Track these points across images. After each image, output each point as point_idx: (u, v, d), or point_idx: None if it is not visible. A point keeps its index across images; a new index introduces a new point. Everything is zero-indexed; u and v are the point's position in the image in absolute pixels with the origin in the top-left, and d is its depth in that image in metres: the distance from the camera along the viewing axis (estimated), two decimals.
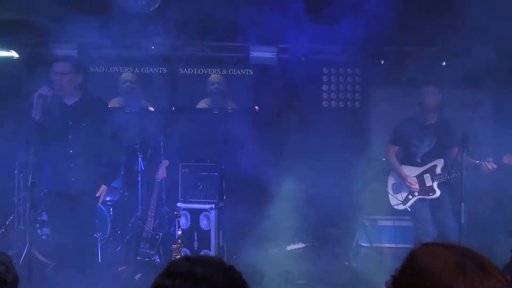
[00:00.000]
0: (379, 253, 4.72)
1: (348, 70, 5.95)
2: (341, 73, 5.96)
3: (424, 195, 3.72)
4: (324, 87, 5.95)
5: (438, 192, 3.66)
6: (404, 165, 3.83)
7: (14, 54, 5.36)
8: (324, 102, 5.93)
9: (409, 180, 3.73)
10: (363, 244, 5.01)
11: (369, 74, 5.84)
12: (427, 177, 3.70)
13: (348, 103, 5.94)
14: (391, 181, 3.92)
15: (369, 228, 4.97)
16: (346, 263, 4.59)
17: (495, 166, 3.43)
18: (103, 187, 3.43)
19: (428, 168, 3.73)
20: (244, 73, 5.75)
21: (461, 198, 3.18)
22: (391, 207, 4.40)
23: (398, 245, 4.86)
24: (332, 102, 5.95)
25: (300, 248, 5.17)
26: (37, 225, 4.33)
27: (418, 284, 0.95)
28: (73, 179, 3.31)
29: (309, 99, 5.68)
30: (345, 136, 5.48)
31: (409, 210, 3.76)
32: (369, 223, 5.02)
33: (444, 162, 3.66)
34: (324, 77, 5.95)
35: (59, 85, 3.24)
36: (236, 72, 5.74)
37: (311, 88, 5.75)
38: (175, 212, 3.61)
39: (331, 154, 5.32)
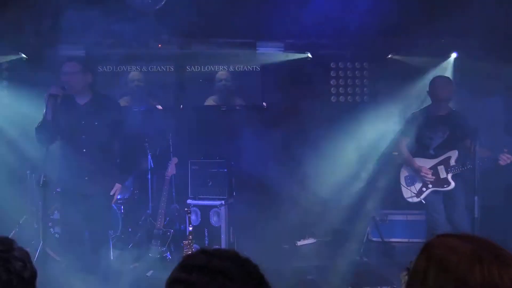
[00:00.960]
0: (390, 247, 4.70)
1: (356, 64, 5.90)
2: (349, 67, 5.92)
3: (438, 187, 3.64)
4: (332, 82, 5.91)
5: (452, 184, 3.59)
6: (417, 157, 3.76)
7: (22, 55, 5.42)
8: (332, 97, 5.90)
9: (423, 171, 3.64)
10: (373, 239, 5.00)
11: (377, 68, 5.79)
12: (441, 169, 3.62)
13: (357, 97, 5.90)
14: (403, 173, 3.85)
15: (380, 222, 4.95)
16: (357, 258, 4.58)
17: (511, 157, 3.33)
18: (117, 186, 3.44)
19: (442, 160, 3.65)
20: (251, 69, 5.74)
21: (474, 191, 3.14)
22: (401, 201, 4.37)
23: (409, 240, 4.84)
24: (341, 97, 5.91)
25: (310, 243, 5.17)
26: (50, 224, 4.38)
27: (432, 275, 0.93)
28: (86, 178, 3.32)
29: (317, 95, 5.65)
30: (354, 131, 5.45)
31: (424, 202, 3.69)
32: (380, 218, 5.00)
33: (458, 154, 3.60)
34: (332, 72, 5.91)
35: (69, 85, 3.26)
36: (243, 68, 5.74)
37: (319, 83, 5.72)
38: (185, 209, 3.62)
39: (340, 149, 5.30)
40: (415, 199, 3.74)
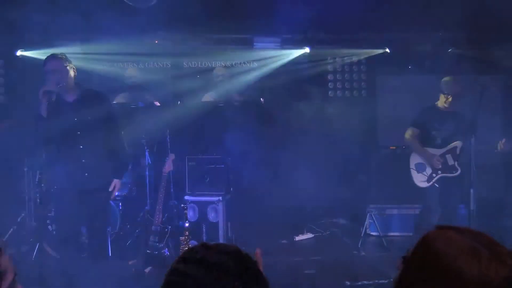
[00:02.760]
0: (388, 242, 4.71)
1: (353, 58, 5.89)
2: (346, 61, 5.91)
3: (447, 173, 4.02)
4: (330, 77, 5.90)
5: (459, 170, 3.97)
6: (427, 147, 4.12)
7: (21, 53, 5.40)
8: (329, 92, 5.89)
9: (435, 159, 4.03)
10: (371, 233, 5.01)
11: (374, 62, 5.78)
12: (449, 157, 4.03)
13: (354, 92, 5.89)
14: (414, 160, 4.17)
15: (377, 217, 4.96)
16: (355, 252, 4.59)
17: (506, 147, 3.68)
18: (115, 181, 3.42)
19: (449, 149, 4.06)
20: (248, 65, 5.73)
21: (470, 184, 3.16)
22: (399, 195, 4.41)
23: (406, 234, 4.85)
24: (338, 91, 5.91)
25: (308, 238, 5.18)
26: (48, 221, 4.38)
27: (429, 267, 0.93)
28: (86, 174, 3.31)
29: (314, 89, 5.64)
30: (351, 125, 5.45)
31: (437, 186, 4.03)
32: (377, 212, 5.02)
33: (463, 145, 3.99)
34: (329, 66, 5.90)
35: (52, 83, 3.21)
36: (240, 64, 5.72)
37: (316, 77, 5.72)
38: (182, 205, 3.62)
39: (338, 143, 5.30)
40: (426, 184, 4.07)
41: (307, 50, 5.71)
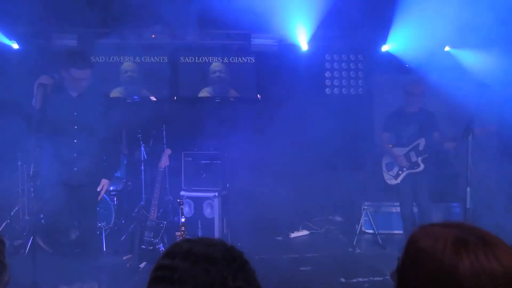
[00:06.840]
0: (383, 239, 4.73)
1: (351, 56, 5.88)
2: (343, 59, 5.89)
3: (411, 169, 4.31)
4: (327, 74, 5.89)
5: (422, 166, 4.26)
6: (395, 147, 4.41)
7: (14, 45, 5.33)
8: (326, 89, 5.88)
9: (399, 159, 4.34)
10: (367, 231, 5.02)
11: (372, 60, 5.77)
12: (412, 154, 4.32)
13: (351, 90, 5.88)
14: (384, 161, 4.48)
15: (373, 214, 4.98)
16: (350, 249, 4.60)
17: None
18: (104, 181, 3.40)
19: (413, 147, 4.33)
20: (245, 61, 5.70)
21: (467, 182, 3.16)
22: (394, 193, 4.44)
23: (401, 232, 4.86)
24: (335, 89, 5.89)
25: (303, 235, 5.19)
26: (41, 215, 4.34)
27: (421, 267, 0.91)
28: (75, 169, 3.29)
29: (311, 86, 5.62)
30: (348, 123, 5.45)
31: (400, 183, 4.33)
32: (373, 210, 5.03)
33: (426, 141, 4.26)
34: (327, 64, 5.89)
35: (73, 87, 3.22)
36: (237, 60, 5.69)
37: (313, 75, 5.70)
38: (178, 200, 3.60)
39: (334, 141, 5.30)
40: (394, 181, 4.39)
41: (304, 47, 5.68)
